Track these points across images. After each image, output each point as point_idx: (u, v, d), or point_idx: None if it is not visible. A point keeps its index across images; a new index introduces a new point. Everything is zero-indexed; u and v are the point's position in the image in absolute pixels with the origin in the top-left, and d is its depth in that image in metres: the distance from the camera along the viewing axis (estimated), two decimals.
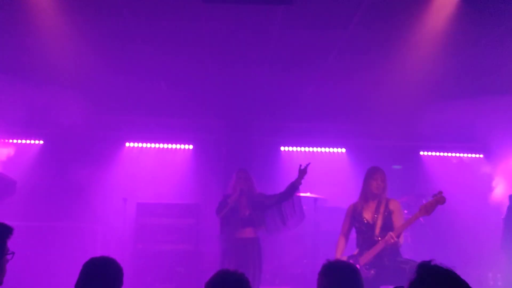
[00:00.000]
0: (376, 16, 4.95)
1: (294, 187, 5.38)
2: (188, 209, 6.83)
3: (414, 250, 7.10)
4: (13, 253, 2.44)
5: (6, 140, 7.85)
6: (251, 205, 5.38)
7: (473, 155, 8.59)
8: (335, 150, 8.55)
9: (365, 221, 4.65)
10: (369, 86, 6.83)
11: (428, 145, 8.52)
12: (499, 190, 7.88)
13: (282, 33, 5.44)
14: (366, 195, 4.76)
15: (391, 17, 4.94)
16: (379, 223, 4.59)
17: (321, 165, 8.37)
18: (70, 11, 4.81)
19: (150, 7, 4.87)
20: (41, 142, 7.99)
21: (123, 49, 5.78)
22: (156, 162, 8.04)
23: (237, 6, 4.76)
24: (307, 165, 5.35)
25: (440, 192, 4.36)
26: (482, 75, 6.52)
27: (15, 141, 7.91)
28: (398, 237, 4.40)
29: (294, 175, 8.02)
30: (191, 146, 8.23)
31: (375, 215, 4.63)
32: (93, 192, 7.57)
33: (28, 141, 7.97)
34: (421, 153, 8.62)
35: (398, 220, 4.60)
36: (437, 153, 8.63)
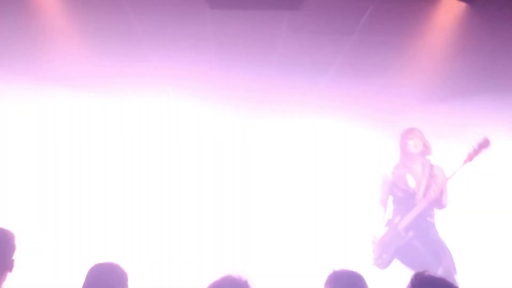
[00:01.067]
0: (382, 21, 4.92)
1: None
2: None
3: None
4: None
5: None
6: None
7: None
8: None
9: (407, 187, 4.30)
10: (376, 91, 6.79)
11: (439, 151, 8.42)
12: None
13: (288, 38, 5.43)
14: (405, 158, 4.43)
15: (396, 21, 4.90)
16: (422, 188, 4.26)
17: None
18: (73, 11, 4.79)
19: (155, 11, 4.86)
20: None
21: (128, 53, 5.78)
22: None
23: (243, 12, 4.75)
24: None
25: (486, 138, 4.08)
26: (489, 78, 6.46)
27: None
28: (440, 194, 4.12)
29: None
30: None
31: (419, 180, 4.28)
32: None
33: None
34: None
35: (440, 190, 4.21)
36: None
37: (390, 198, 4.61)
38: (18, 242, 2.53)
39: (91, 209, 6.98)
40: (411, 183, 4.36)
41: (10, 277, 2.52)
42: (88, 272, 2.46)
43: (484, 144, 4.07)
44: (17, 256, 2.54)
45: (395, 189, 4.43)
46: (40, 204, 6.62)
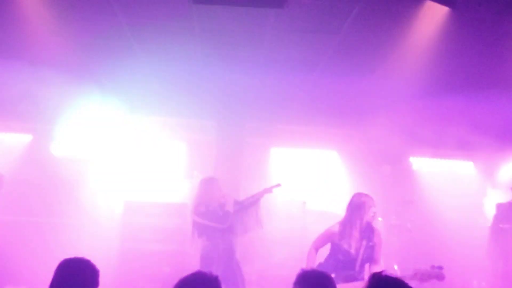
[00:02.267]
0: (367, 22, 4.96)
1: (258, 197, 5.76)
2: (175, 209, 6.81)
3: (401, 255, 7.13)
4: None
5: None
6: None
7: (463, 162, 8.63)
8: (326, 152, 8.56)
9: (348, 252, 4.32)
10: (361, 89, 6.84)
11: (418, 151, 8.54)
12: (488, 198, 7.93)
13: (274, 35, 5.44)
14: (356, 220, 4.39)
15: (381, 22, 4.94)
16: (360, 257, 4.29)
17: (311, 168, 8.41)
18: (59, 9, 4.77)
19: (141, 7, 4.84)
20: (30, 136, 7.93)
21: (114, 49, 5.75)
22: (147, 159, 8.00)
23: (229, 7, 4.75)
24: (274, 186, 5.78)
25: (441, 268, 3.92)
26: (471, 80, 6.55)
27: (3, 134, 7.84)
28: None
29: (283, 176, 8.11)
30: (183, 145, 8.21)
31: (358, 247, 4.29)
32: (81, 189, 7.53)
33: (16, 135, 7.90)
34: (411, 158, 8.64)
35: (378, 255, 4.33)
36: (427, 159, 8.65)
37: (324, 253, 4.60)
38: None
39: None
40: (352, 250, 4.32)
41: None
42: (58, 267, 2.45)
43: (439, 276, 3.81)
44: None
45: (337, 250, 4.39)
46: None
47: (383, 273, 1.96)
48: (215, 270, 5.18)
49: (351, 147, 8.30)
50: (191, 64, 6.23)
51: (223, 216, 5.50)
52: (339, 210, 7.58)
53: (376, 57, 5.77)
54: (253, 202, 5.76)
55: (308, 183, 8.00)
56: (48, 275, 6.47)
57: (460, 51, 5.50)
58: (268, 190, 5.77)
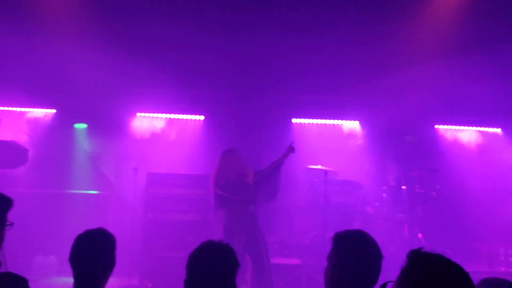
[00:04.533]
0: None
1: (277, 165, 5.68)
2: (197, 180, 6.85)
3: (425, 225, 7.05)
4: (11, 224, 2.44)
5: (19, 109, 7.92)
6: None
7: (490, 129, 8.39)
8: (348, 122, 8.44)
9: None
10: (384, 55, 6.63)
11: (443, 118, 8.34)
12: None
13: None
14: None
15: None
16: None
17: (333, 137, 8.32)
18: None
19: None
20: (54, 111, 8.04)
21: (129, 20, 5.69)
22: (167, 132, 8.04)
23: None
24: (289, 151, 5.72)
25: None
26: (499, 44, 6.29)
27: (28, 109, 7.97)
28: None
29: (305, 148, 8.04)
30: (202, 117, 8.20)
31: None
32: (105, 161, 7.65)
33: (41, 110, 8.02)
34: (436, 126, 8.45)
35: None
36: (453, 127, 8.44)
37: None
38: None
39: None
40: None
41: None
42: (76, 239, 2.46)
43: None
44: None
45: None
46: None
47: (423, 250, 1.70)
48: (238, 240, 5.22)
49: (374, 116, 8.15)
50: (207, 32, 6.12)
51: (242, 188, 5.50)
52: (360, 180, 7.58)
53: (396, 20, 5.55)
54: (273, 170, 5.71)
55: (329, 153, 7.92)
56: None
57: (490, 8, 5.24)
58: (285, 156, 5.71)
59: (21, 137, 7.39)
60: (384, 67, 6.93)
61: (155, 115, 8.12)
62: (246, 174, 5.56)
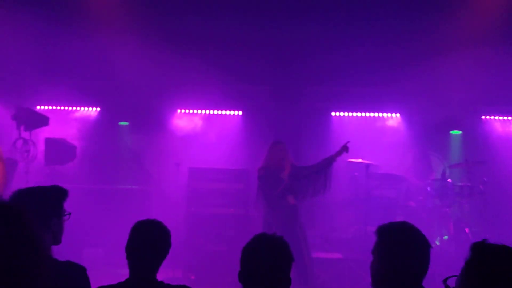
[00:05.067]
0: None
1: (330, 161, 5.69)
2: (238, 174, 6.91)
3: (472, 218, 6.84)
4: (69, 214, 2.54)
5: (66, 108, 8.24)
6: (291, 175, 5.66)
7: None
8: (389, 115, 8.27)
9: None
10: (426, 45, 6.44)
11: (490, 109, 8.03)
12: None
13: None
14: None
15: None
16: None
17: (373, 131, 8.18)
18: None
19: None
20: (99, 109, 8.31)
21: (171, 17, 5.78)
22: (206, 128, 8.15)
23: None
24: (342, 150, 5.73)
25: None
26: None
27: (74, 108, 8.28)
28: None
29: (344, 142, 7.95)
30: (240, 113, 8.26)
31: None
32: (148, 157, 7.84)
33: (86, 108, 8.31)
34: (482, 117, 8.15)
35: None
36: (499, 117, 8.12)
37: None
38: None
39: None
40: None
41: None
42: (132, 229, 2.55)
43: None
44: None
45: None
46: None
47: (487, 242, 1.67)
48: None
49: (416, 108, 7.94)
50: (245, 27, 6.14)
51: (275, 182, 5.49)
52: (402, 173, 7.42)
53: (440, 8, 5.38)
54: (323, 167, 5.70)
55: (370, 146, 7.79)
56: (121, 237, 6.85)
57: None
58: (338, 154, 5.73)
59: (69, 134, 7.69)
60: (426, 57, 6.74)
61: (195, 111, 8.25)
62: (283, 168, 5.56)
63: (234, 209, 6.75)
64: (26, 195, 2.42)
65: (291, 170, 5.66)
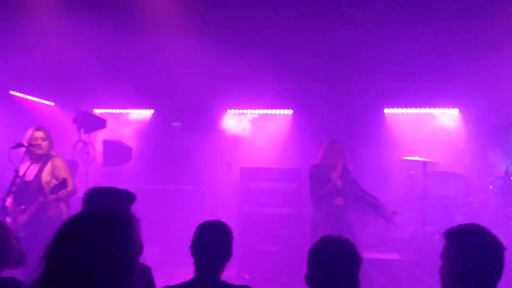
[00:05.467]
0: None
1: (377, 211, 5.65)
2: (290, 174, 6.87)
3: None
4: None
5: (121, 111, 8.51)
6: (343, 176, 5.54)
7: None
8: (446, 111, 7.95)
9: None
10: (485, 35, 6.12)
11: None
12: None
13: None
14: None
15: None
16: None
17: (429, 127, 7.88)
18: None
19: None
20: (152, 111, 8.53)
21: (223, 18, 5.80)
22: (257, 127, 8.17)
23: None
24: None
25: None
26: None
27: (129, 111, 8.54)
28: None
29: (398, 139, 7.72)
30: (290, 111, 8.21)
31: None
32: (200, 157, 7.95)
33: (140, 111, 8.56)
34: None
35: None
36: None
37: None
38: None
39: None
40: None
41: None
42: (197, 230, 2.61)
43: None
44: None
45: None
46: None
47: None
48: (322, 234, 5.07)
49: (475, 103, 7.57)
50: (296, 25, 6.07)
51: (324, 181, 5.42)
52: (461, 171, 7.10)
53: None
54: (371, 205, 5.68)
55: (426, 143, 7.52)
56: (176, 236, 7.00)
57: None
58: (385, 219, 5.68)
59: (125, 136, 7.94)
60: (486, 49, 6.40)
61: (245, 111, 8.28)
62: (335, 168, 5.47)
63: (287, 208, 6.72)
64: (102, 195, 2.52)
65: (344, 172, 5.55)
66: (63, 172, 4.56)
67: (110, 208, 1.57)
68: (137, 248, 1.53)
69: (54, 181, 4.43)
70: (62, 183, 4.29)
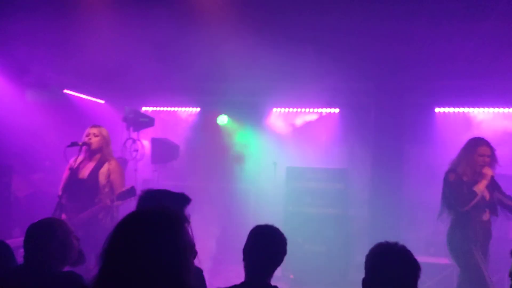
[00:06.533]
0: None
1: None
2: (336, 174, 6.79)
3: None
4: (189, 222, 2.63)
5: (169, 109, 8.68)
6: (490, 185, 4.52)
7: None
8: (497, 110, 7.59)
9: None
10: None
11: None
12: None
13: None
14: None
15: None
16: None
17: (481, 127, 7.56)
18: None
19: None
20: (198, 109, 8.65)
21: (269, 13, 5.77)
22: (303, 126, 8.11)
23: None
24: None
25: None
26: None
27: (176, 109, 8.70)
28: None
29: (450, 139, 7.44)
30: (337, 110, 8.10)
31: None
32: (246, 156, 7.97)
33: (188, 109, 8.69)
34: None
35: None
36: None
37: None
38: None
39: None
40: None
41: None
42: (250, 233, 2.62)
43: None
44: None
45: None
46: None
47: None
48: (478, 256, 4.37)
49: None
50: (344, 21, 5.96)
51: (465, 197, 4.35)
52: None
53: None
54: None
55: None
56: (221, 233, 6.99)
57: None
58: None
59: (172, 134, 8.08)
60: None
61: (290, 109, 8.24)
62: (480, 178, 4.41)
63: (333, 209, 6.65)
64: (153, 198, 2.57)
65: (492, 183, 4.49)
66: (119, 177, 4.63)
67: (163, 208, 1.60)
68: (190, 249, 1.55)
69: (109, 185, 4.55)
70: (131, 191, 4.32)
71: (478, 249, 4.39)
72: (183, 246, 1.53)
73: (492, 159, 4.54)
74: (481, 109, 7.67)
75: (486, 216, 4.49)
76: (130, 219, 1.58)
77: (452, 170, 4.57)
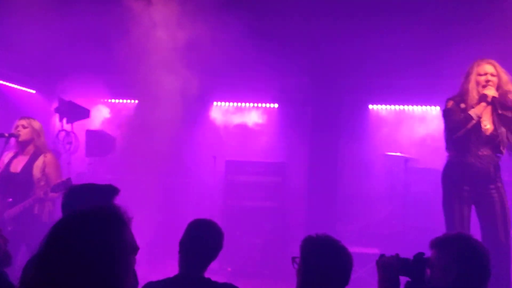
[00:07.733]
0: None
1: None
2: (275, 168, 6.91)
3: None
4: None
5: (105, 100, 8.40)
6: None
7: None
8: (429, 108, 8.07)
9: None
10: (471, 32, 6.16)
11: None
12: None
13: None
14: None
15: None
16: None
17: (412, 124, 7.99)
18: None
19: None
20: (136, 101, 8.44)
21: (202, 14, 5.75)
22: (243, 121, 8.16)
23: None
24: None
25: None
26: None
27: (113, 101, 8.44)
28: None
29: (382, 134, 7.80)
30: (276, 105, 8.23)
31: None
32: (185, 150, 7.90)
33: (124, 101, 8.46)
34: None
35: None
36: None
37: None
38: None
39: None
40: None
41: None
42: (188, 227, 2.62)
43: None
44: None
45: None
46: None
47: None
48: None
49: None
50: (281, 18, 6.06)
51: (460, 120, 3.93)
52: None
53: None
54: None
55: (409, 140, 7.64)
56: (158, 229, 6.89)
57: None
58: None
59: (109, 126, 7.84)
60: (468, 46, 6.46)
61: (230, 103, 8.26)
62: (480, 100, 3.85)
63: (271, 202, 6.76)
64: (79, 193, 2.48)
65: (505, 119, 3.90)
66: (55, 171, 4.49)
67: (103, 207, 1.57)
68: (131, 248, 1.53)
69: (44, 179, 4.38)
70: (67, 183, 4.16)
71: (466, 199, 3.84)
72: (122, 246, 1.50)
73: (501, 80, 3.77)
74: (411, 107, 8.09)
75: (485, 151, 3.86)
76: (66, 220, 1.53)
77: (451, 98, 4.03)
